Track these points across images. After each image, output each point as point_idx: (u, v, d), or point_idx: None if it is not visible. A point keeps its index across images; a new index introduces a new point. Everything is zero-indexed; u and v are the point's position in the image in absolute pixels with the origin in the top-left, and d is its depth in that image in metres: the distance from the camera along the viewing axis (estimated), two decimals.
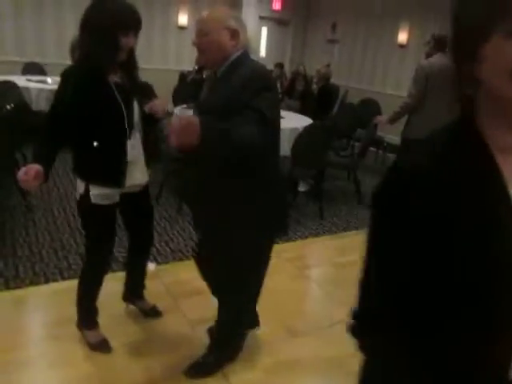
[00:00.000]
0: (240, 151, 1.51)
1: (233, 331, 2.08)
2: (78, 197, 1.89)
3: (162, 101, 1.99)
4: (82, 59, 1.75)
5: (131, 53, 1.80)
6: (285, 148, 3.69)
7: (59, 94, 1.77)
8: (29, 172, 1.61)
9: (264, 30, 9.07)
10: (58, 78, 1.87)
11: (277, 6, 8.85)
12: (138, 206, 2.09)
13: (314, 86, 6.15)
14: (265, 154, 1.66)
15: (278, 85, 6.89)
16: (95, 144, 1.77)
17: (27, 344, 2.17)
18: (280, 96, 6.01)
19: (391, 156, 4.50)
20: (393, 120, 4.04)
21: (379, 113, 5.59)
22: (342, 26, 8.45)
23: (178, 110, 4.20)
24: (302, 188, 4.47)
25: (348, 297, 3.33)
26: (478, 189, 0.65)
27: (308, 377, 2.16)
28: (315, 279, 3.17)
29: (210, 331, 2.18)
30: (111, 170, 1.85)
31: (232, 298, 1.95)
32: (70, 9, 6.63)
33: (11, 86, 4.55)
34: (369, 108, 5.95)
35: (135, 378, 2.01)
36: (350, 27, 8.25)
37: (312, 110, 5.22)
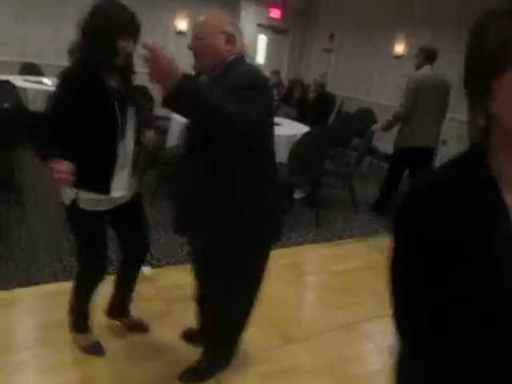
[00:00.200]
0: (216, 116, 1.43)
1: (227, 337, 2.07)
2: (67, 202, 1.83)
3: (154, 135, 1.98)
4: (79, 62, 1.72)
5: (129, 58, 1.77)
6: (281, 155, 3.70)
7: (56, 96, 1.74)
8: (62, 168, 1.64)
9: (262, 38, 9.13)
10: (55, 79, 1.85)
11: (275, 14, 8.92)
12: (129, 217, 2.02)
13: (311, 94, 6.20)
14: (256, 149, 1.64)
15: (275, 92, 6.93)
16: (86, 148, 1.74)
17: (18, 347, 2.14)
18: (276, 103, 6.04)
19: (385, 165, 4.55)
20: (386, 128, 4.26)
21: (375, 122, 5.64)
22: (339, 35, 8.52)
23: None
24: (297, 195, 4.47)
25: (343, 303, 3.35)
26: (481, 222, 0.65)
27: (304, 383, 2.15)
28: (311, 286, 3.17)
29: (185, 334, 2.26)
30: (100, 175, 1.80)
31: (227, 305, 1.93)
32: (69, 10, 6.61)
33: (8, 85, 4.54)
34: (365, 117, 5.99)
35: (127, 382, 1.99)
36: (347, 37, 8.32)
37: (309, 118, 5.25)
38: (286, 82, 7.61)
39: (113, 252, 2.02)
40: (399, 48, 7.27)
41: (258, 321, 2.18)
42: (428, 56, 3.98)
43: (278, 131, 4.10)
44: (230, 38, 1.66)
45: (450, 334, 0.70)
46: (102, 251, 1.98)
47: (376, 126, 4.55)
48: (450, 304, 0.68)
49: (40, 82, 5.30)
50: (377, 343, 2.47)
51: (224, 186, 1.69)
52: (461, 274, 0.66)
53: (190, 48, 1.70)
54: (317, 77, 6.32)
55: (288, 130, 4.30)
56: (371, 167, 6.07)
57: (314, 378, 2.18)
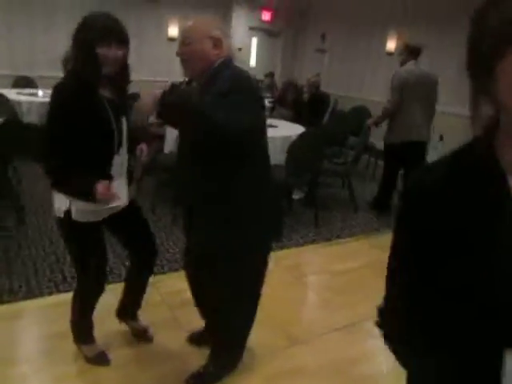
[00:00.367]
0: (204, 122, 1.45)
1: (232, 341, 2.06)
2: (59, 214, 1.79)
3: (146, 147, 1.97)
4: (71, 74, 1.70)
5: (123, 66, 1.74)
6: (278, 157, 3.70)
7: (51, 111, 1.71)
8: (106, 189, 1.67)
9: (254, 41, 9.15)
10: (48, 91, 1.83)
11: (266, 17, 8.94)
12: (129, 222, 2.00)
13: (305, 95, 6.20)
14: (249, 154, 1.66)
15: (269, 94, 6.94)
16: (82, 159, 1.71)
17: (21, 359, 2.13)
18: (272, 105, 6.04)
19: (383, 163, 4.58)
20: (376, 123, 4.45)
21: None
22: (331, 35, 8.54)
23: None
24: (296, 196, 4.47)
25: (346, 303, 3.34)
26: (487, 213, 0.65)
27: None
28: (313, 287, 3.16)
29: (191, 338, 2.28)
30: (93, 185, 1.73)
31: (230, 309, 1.93)
32: (61, 22, 6.63)
33: (1, 98, 4.53)
34: (360, 115, 6.00)
35: None
36: (339, 37, 8.34)
37: (304, 119, 5.26)
38: (280, 84, 7.62)
39: (113, 262, 2.02)
40: (391, 45, 7.30)
41: (262, 323, 2.18)
42: (412, 52, 4.09)
43: (274, 133, 4.12)
44: (218, 43, 1.67)
45: (447, 326, 0.72)
46: (99, 263, 1.94)
47: (368, 122, 4.62)
48: (447, 296, 0.70)
49: (34, 95, 5.30)
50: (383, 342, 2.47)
51: (220, 191, 1.68)
52: (462, 265, 0.66)
53: (178, 54, 1.71)
54: (310, 77, 6.33)
55: (284, 131, 4.30)
56: (369, 165, 6.08)
57: (321, 379, 2.17)
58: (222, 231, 1.73)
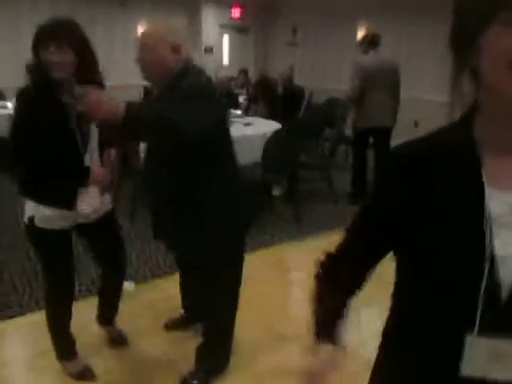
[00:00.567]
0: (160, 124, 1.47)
1: (219, 343, 2.06)
2: (26, 220, 1.80)
3: (114, 153, 1.94)
4: (30, 81, 1.71)
5: (79, 70, 1.66)
6: (255, 154, 3.69)
7: (14, 119, 1.73)
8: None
9: (226, 39, 9.10)
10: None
11: (236, 13, 8.90)
12: (102, 234, 2.00)
13: (280, 89, 6.19)
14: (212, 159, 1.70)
15: (244, 91, 6.92)
16: (46, 163, 1.71)
17: (7, 379, 2.09)
18: (246, 102, 6.03)
19: None
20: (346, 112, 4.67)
21: (345, 110, 5.70)
22: (302, 28, 8.55)
23: None
24: (276, 192, 4.47)
25: None
26: (457, 188, 0.67)
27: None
28: (298, 283, 3.17)
29: (166, 325, 2.39)
30: (61, 190, 1.77)
31: (216, 309, 1.96)
32: (28, 30, 6.48)
33: None
34: (334, 107, 6.02)
35: None
36: (310, 30, 8.36)
37: (279, 114, 5.25)
38: (253, 80, 7.60)
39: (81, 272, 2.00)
40: (362, 35, 7.34)
41: (250, 322, 2.18)
42: (372, 42, 4.26)
43: (250, 131, 4.11)
44: (176, 48, 1.68)
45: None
46: (66, 272, 1.93)
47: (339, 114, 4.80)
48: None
49: (2, 107, 5.19)
50: (373, 333, 2.48)
51: (185, 192, 1.72)
52: (424, 236, 0.69)
53: (137, 60, 1.70)
54: (283, 71, 6.34)
55: (259, 128, 4.28)
56: (347, 156, 6.11)
57: None
58: (196, 235, 1.77)
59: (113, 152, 1.95)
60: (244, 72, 7.75)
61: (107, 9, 7.43)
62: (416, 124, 6.51)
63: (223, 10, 8.70)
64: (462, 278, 0.66)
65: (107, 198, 1.96)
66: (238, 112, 5.25)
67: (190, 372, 2.04)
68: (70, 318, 2.00)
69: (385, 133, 4.33)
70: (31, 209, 1.78)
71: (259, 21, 9.23)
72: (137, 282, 2.91)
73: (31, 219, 1.77)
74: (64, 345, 2.04)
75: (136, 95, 6.23)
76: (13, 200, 4.15)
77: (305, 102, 6.60)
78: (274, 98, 5.95)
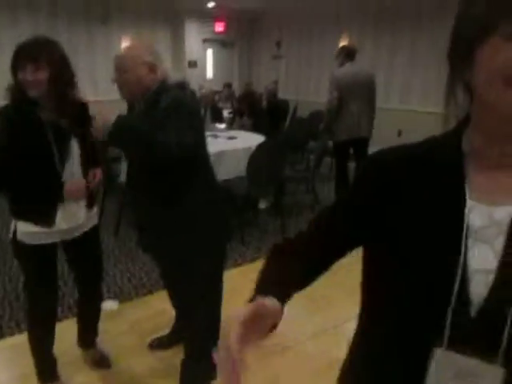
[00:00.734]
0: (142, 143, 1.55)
1: (202, 357, 2.02)
2: (10, 234, 1.81)
3: (99, 172, 1.95)
4: (10, 99, 1.71)
5: (56, 88, 1.65)
6: (240, 168, 3.69)
7: None
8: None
9: (210, 53, 9.15)
10: None
11: (219, 27, 8.96)
12: (83, 254, 1.98)
13: (264, 103, 6.24)
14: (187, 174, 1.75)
15: (229, 104, 6.94)
16: (24, 180, 1.71)
17: None
18: (231, 116, 6.05)
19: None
20: (327, 125, 4.53)
21: (326, 123, 5.79)
22: (285, 42, 8.64)
23: None
24: (262, 205, 4.47)
25: (320, 309, 3.33)
26: (438, 197, 0.67)
27: None
28: None
29: (151, 345, 2.37)
30: (41, 206, 1.77)
31: (201, 314, 1.95)
32: (8, 48, 6.43)
33: None
34: (317, 119, 6.07)
35: None
36: (294, 43, 8.46)
37: (264, 127, 5.28)
38: (238, 94, 7.63)
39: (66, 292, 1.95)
40: (338, 48, 7.45)
41: None
42: (348, 54, 4.32)
43: (234, 145, 4.11)
44: (152, 67, 1.72)
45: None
46: (48, 288, 1.90)
47: (321, 128, 4.77)
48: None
49: None
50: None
51: (165, 202, 1.77)
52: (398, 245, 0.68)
53: (114, 81, 1.72)
54: (267, 84, 6.39)
55: (244, 142, 4.29)
56: (332, 168, 6.14)
57: None
58: (177, 241, 1.79)
59: (98, 171, 1.93)
60: (228, 86, 7.78)
61: (89, 26, 7.41)
62: (399, 133, 6.60)
63: (207, 25, 8.75)
64: (433, 288, 0.64)
65: (92, 214, 1.94)
66: (223, 126, 5.26)
67: None
68: (52, 338, 1.96)
69: (363, 143, 4.40)
70: (15, 224, 1.79)
71: (243, 34, 9.31)
72: (121, 300, 2.86)
73: (14, 233, 1.78)
74: (44, 366, 2.00)
75: (121, 109, 6.18)
76: None
77: (290, 115, 6.66)
78: (259, 111, 5.99)
